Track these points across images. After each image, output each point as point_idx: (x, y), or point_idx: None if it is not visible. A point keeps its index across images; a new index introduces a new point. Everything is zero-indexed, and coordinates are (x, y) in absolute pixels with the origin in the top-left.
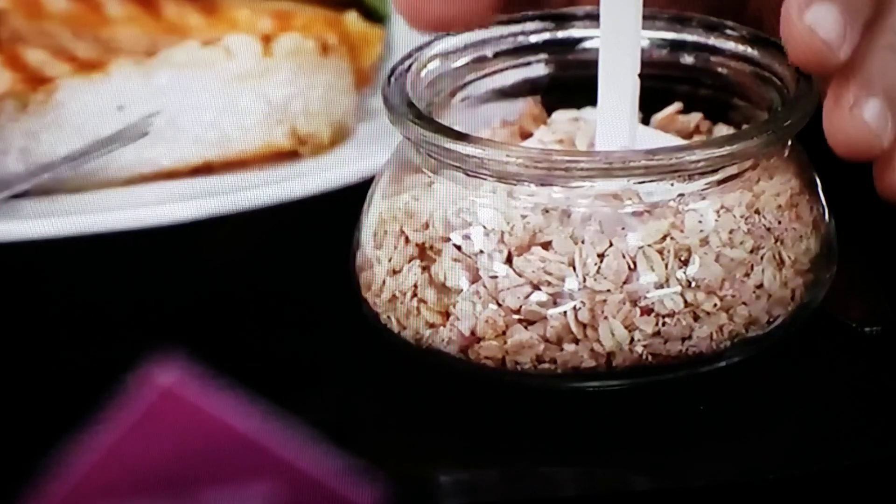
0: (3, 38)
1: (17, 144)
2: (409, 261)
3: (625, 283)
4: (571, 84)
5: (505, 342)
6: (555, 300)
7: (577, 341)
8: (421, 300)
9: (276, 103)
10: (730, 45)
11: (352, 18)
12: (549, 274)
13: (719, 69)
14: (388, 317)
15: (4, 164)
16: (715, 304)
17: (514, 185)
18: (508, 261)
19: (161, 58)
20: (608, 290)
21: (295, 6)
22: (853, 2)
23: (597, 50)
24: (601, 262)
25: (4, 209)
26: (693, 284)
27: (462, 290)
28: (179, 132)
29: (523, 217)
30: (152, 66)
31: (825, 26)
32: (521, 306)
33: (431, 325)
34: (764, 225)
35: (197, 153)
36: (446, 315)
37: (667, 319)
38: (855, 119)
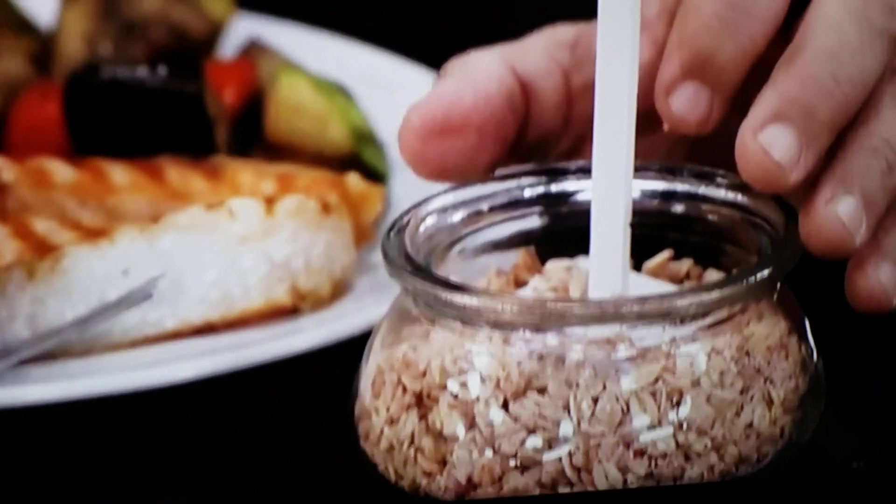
0: (11, 208)
1: (24, 311)
2: (407, 409)
3: (619, 425)
4: (565, 234)
5: (501, 488)
6: (550, 444)
7: (571, 485)
8: (418, 449)
9: (278, 262)
10: (720, 193)
11: (353, 179)
12: (545, 418)
13: (709, 216)
14: (386, 466)
15: (12, 331)
16: (706, 445)
17: (510, 332)
18: (504, 406)
19: (165, 223)
20: (602, 434)
21: (297, 169)
22: (811, 127)
23: (589, 202)
24: (595, 405)
25: (12, 375)
26: (685, 426)
27: (458, 438)
28: (183, 293)
29: (518, 363)
30: (157, 231)
31: (780, 148)
32: (516, 451)
33: (428, 474)
34: (754, 366)
35: (200, 313)
36: (443, 463)
37: (659, 461)
38: (829, 214)
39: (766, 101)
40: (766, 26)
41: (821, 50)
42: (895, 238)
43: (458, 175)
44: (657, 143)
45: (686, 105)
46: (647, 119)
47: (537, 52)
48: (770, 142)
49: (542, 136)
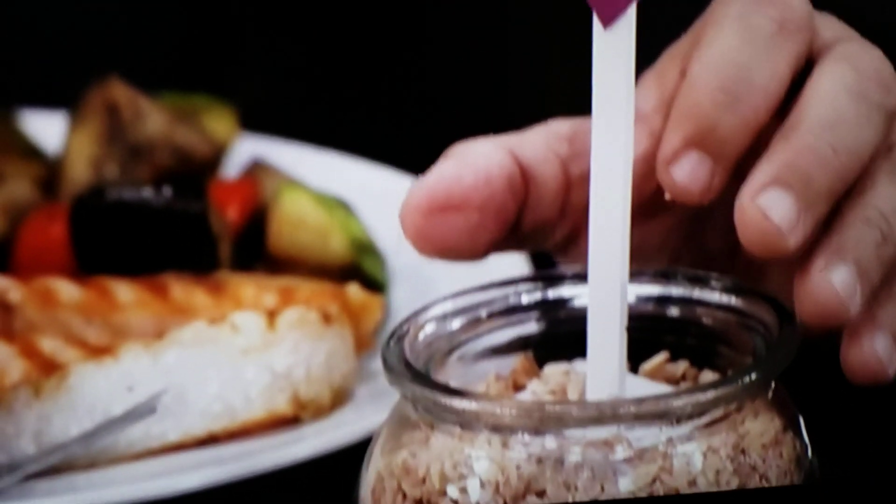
0: (18, 328)
1: (30, 428)
2: None
3: None
4: (562, 338)
5: None
6: None
7: None
8: None
9: (280, 372)
10: (714, 297)
11: (353, 290)
12: None
13: (704, 319)
14: None
15: (18, 447)
16: None
17: (509, 435)
18: None
19: (169, 338)
20: None
21: (299, 281)
22: (809, 193)
23: (586, 307)
24: None
25: (18, 490)
26: None
27: None
28: (186, 407)
29: (517, 467)
30: (161, 347)
31: (778, 211)
32: None
33: None
34: (749, 464)
35: (203, 426)
36: None
37: None
38: (823, 283)
39: (764, 168)
40: (767, 99)
41: (818, 121)
42: (889, 310)
43: (459, 253)
44: (652, 231)
45: (688, 175)
46: (643, 208)
47: (536, 141)
48: (769, 205)
49: (540, 223)
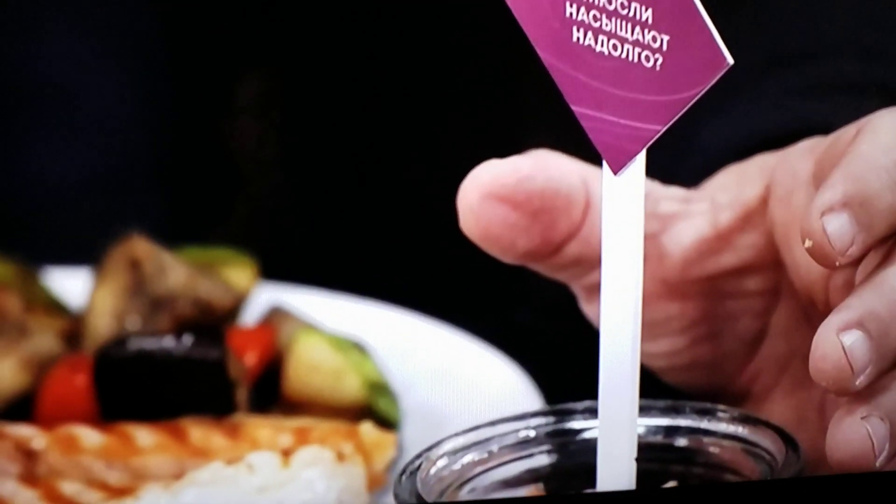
0: (41, 474)
1: None
2: None
3: None
4: (573, 471)
5: None
6: None
7: None
8: None
9: None
10: (721, 427)
11: (366, 428)
12: None
13: (711, 448)
14: None
15: None
16: None
17: None
18: None
19: (187, 479)
20: None
21: (313, 421)
22: (884, 346)
23: (596, 440)
24: None
25: None
26: None
27: None
28: None
29: None
30: (179, 486)
31: (856, 353)
32: None
33: None
34: None
35: None
36: None
37: None
38: (861, 428)
39: (852, 307)
40: None
41: None
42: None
43: (495, 246)
44: (671, 315)
45: (837, 229)
46: (682, 287)
47: None
48: (850, 344)
49: (581, 258)
